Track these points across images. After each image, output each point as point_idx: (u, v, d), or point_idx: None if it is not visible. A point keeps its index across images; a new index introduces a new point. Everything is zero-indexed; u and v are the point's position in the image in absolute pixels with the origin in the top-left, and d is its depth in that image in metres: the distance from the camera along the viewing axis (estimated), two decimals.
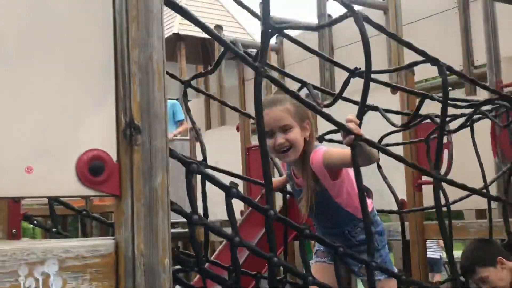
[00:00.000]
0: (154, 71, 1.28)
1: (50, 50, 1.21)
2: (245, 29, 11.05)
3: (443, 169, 4.49)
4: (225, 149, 6.78)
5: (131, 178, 1.25)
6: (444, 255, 11.94)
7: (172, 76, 2.60)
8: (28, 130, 1.17)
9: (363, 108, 1.88)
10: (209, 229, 1.48)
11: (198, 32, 9.96)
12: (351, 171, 2.20)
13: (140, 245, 1.24)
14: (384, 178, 3.02)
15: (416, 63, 2.44)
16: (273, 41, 9.73)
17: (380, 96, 5.12)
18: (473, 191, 2.43)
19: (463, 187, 2.35)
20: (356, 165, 1.82)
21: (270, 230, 1.49)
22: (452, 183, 2.26)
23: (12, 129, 1.15)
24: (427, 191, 4.36)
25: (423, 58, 2.11)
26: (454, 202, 2.97)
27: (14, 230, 2.01)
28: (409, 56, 6.47)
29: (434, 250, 11.99)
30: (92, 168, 1.22)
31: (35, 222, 2.06)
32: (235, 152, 6.68)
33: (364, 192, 1.81)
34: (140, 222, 1.25)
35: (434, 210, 4.23)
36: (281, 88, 1.74)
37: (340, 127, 1.82)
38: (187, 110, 2.59)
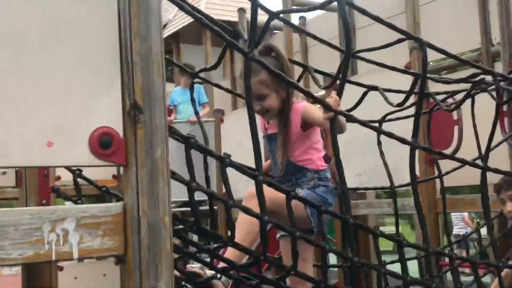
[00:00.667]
0: (153, 60, 1.51)
1: (65, 44, 1.45)
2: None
3: (453, 145, 4.68)
4: (249, 129, 7.01)
5: (135, 151, 1.48)
6: (469, 231, 12.04)
7: (181, 68, 2.82)
8: (48, 111, 1.41)
9: (343, 84, 2.08)
10: (206, 194, 1.71)
11: (223, 15, 10.18)
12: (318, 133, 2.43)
13: (144, 206, 1.48)
14: (382, 154, 3.22)
15: (400, 40, 2.62)
16: (296, 22, 9.87)
17: (392, 75, 5.29)
18: (464, 162, 2.61)
19: (452, 157, 2.54)
20: (334, 136, 2.04)
21: (260, 193, 1.72)
22: (430, 151, 2.45)
23: (35, 110, 1.40)
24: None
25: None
26: (447, 173, 3.15)
27: (44, 201, 2.28)
28: (425, 35, 6.61)
29: (461, 227, 12.13)
30: (102, 143, 1.46)
31: (62, 194, 2.32)
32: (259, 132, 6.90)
33: (339, 158, 2.03)
34: (143, 188, 1.48)
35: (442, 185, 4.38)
36: (271, 73, 1.95)
37: (320, 102, 2.04)
38: (192, 100, 2.82)
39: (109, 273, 10.63)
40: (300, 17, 9.68)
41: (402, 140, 2.27)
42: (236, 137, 7.22)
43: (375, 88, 2.99)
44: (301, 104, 2.45)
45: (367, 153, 5.31)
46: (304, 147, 2.47)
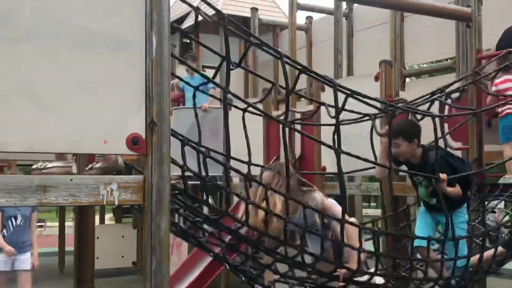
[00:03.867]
0: (164, 97, 2.68)
1: (117, 87, 2.62)
2: (281, 9, 12.27)
3: None
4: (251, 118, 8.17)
5: (151, 146, 2.66)
6: None
7: (181, 61, 3.91)
8: (106, 124, 2.59)
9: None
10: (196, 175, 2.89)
11: (239, 11, 11.33)
12: None
13: (155, 178, 2.66)
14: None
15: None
16: (302, 21, 10.98)
17: (365, 83, 6.42)
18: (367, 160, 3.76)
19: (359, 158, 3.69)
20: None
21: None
22: (352, 155, 3.60)
23: (98, 123, 2.58)
24: None
25: None
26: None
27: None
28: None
29: None
30: (133, 141, 2.63)
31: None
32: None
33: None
34: (155, 168, 2.66)
35: None
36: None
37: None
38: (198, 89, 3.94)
39: (127, 235, 11.95)
40: (307, 17, 10.79)
41: (329, 146, 3.40)
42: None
43: (323, 104, 4.08)
44: None
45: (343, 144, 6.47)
46: None
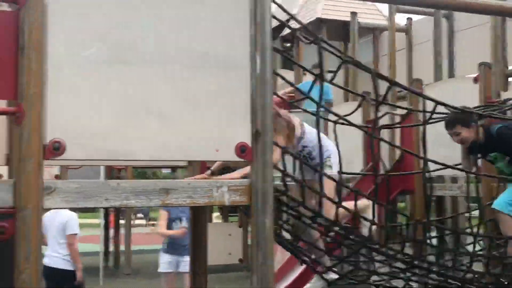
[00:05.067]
0: (267, 109, 3.02)
1: (230, 99, 2.99)
2: (381, 12, 12.35)
3: None
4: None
5: (256, 153, 3.01)
6: None
7: (308, 71, 4.24)
8: (217, 135, 2.97)
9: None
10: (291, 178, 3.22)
11: (338, 16, 11.56)
12: None
13: (260, 181, 3.01)
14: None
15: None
16: (402, 21, 11.04)
17: (464, 85, 6.49)
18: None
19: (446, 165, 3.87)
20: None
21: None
22: (418, 156, 3.79)
23: (212, 136, 2.96)
24: None
25: None
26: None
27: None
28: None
29: None
30: (241, 149, 2.99)
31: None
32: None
33: None
34: (259, 172, 3.01)
35: None
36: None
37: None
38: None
39: (233, 233, 12.50)
40: (407, 18, 10.85)
41: (415, 155, 3.62)
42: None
43: (411, 110, 4.30)
44: None
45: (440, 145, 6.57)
46: None
